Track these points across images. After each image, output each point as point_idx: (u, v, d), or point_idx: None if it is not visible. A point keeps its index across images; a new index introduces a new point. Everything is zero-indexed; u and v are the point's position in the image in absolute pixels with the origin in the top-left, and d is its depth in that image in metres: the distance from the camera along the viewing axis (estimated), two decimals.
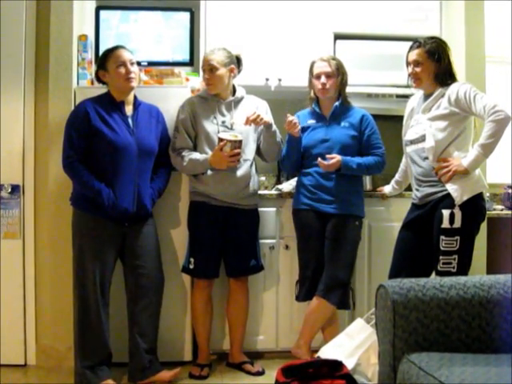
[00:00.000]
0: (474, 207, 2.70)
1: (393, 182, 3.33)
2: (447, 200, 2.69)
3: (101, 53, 3.06)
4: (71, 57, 3.20)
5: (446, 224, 2.66)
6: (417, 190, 2.86)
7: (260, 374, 3.10)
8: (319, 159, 2.97)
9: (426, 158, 2.77)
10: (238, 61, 3.08)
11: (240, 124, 3.00)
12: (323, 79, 3.03)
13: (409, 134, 2.89)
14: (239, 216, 3.04)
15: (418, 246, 2.83)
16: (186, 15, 3.58)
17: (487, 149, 2.61)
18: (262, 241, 3.23)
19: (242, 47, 3.23)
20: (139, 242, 2.89)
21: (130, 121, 2.87)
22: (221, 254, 3.07)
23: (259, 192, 3.23)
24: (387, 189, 3.36)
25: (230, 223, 3.03)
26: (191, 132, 3.03)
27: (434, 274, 2.75)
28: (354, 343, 2.58)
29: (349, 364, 2.45)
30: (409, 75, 2.88)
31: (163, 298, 3.00)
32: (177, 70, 3.36)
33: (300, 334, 3.08)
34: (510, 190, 3.65)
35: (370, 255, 3.40)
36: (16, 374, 3.07)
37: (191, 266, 3.03)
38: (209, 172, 2.98)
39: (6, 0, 3.18)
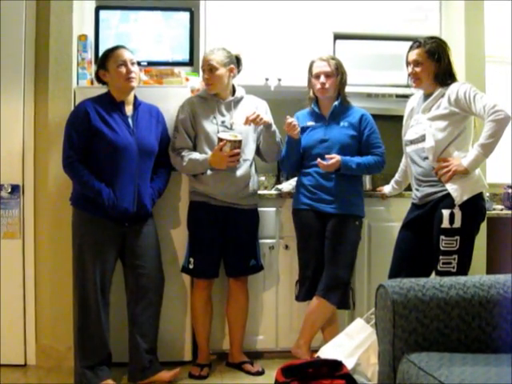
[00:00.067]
0: (474, 207, 2.70)
1: (392, 181, 3.33)
2: (447, 200, 2.69)
3: (101, 53, 3.06)
4: (71, 57, 3.20)
5: (445, 224, 2.66)
6: (417, 189, 2.86)
7: (260, 373, 3.10)
8: (318, 159, 2.97)
9: (426, 158, 2.77)
10: (237, 61, 3.08)
11: (240, 124, 3.00)
12: (322, 79, 3.03)
13: (409, 134, 2.89)
14: (239, 216, 3.04)
15: (418, 246, 2.83)
16: (186, 15, 3.58)
17: (487, 149, 2.61)
18: (261, 241, 3.23)
19: (241, 47, 3.23)
20: (139, 242, 2.89)
21: (130, 121, 2.87)
22: (220, 253, 3.07)
23: (259, 192, 3.23)
24: (387, 189, 3.36)
25: (229, 223, 3.03)
26: (191, 132, 3.02)
27: (433, 274, 2.75)
28: (353, 343, 2.58)
29: (348, 364, 2.46)
30: (409, 75, 2.88)
31: (163, 297, 3.00)
32: (176, 69, 3.35)
33: (300, 334, 3.08)
34: (509, 190, 3.64)
35: (369, 255, 3.40)
36: (16, 374, 3.07)
37: (191, 266, 3.03)
38: (208, 172, 2.98)
39: (6, 0, 3.18)
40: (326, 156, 2.98)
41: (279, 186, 3.46)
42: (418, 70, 2.79)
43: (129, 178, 2.81)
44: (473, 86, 2.71)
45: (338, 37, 3.65)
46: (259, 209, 3.18)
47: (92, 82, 3.25)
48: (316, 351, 2.81)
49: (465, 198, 2.66)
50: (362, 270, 3.37)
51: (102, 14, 3.53)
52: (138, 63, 2.95)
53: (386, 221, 3.39)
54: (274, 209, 3.34)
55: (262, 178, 3.86)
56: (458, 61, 2.98)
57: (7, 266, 3.18)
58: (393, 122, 3.41)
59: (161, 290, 2.98)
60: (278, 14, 3.59)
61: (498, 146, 2.63)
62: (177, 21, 3.59)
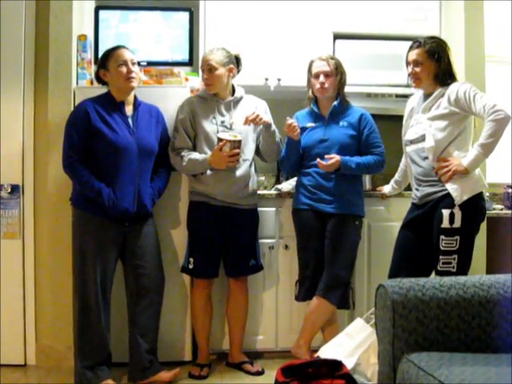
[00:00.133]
0: (474, 207, 2.70)
1: (392, 181, 3.33)
2: (447, 200, 2.69)
3: (100, 53, 3.06)
4: (70, 57, 3.20)
5: (445, 224, 2.66)
6: (417, 189, 2.86)
7: (259, 373, 3.10)
8: (318, 160, 2.97)
9: (426, 158, 2.77)
10: (237, 60, 3.08)
11: (239, 124, 3.00)
12: (322, 78, 3.03)
13: (409, 134, 2.89)
14: (238, 216, 3.04)
15: (418, 246, 2.83)
16: (186, 15, 3.58)
17: (487, 148, 2.61)
18: (261, 241, 3.23)
19: (241, 47, 3.24)
20: (139, 242, 2.89)
21: (130, 121, 2.87)
22: (220, 253, 3.07)
23: (259, 192, 3.23)
24: (387, 188, 3.36)
25: (229, 223, 3.03)
26: (190, 132, 3.02)
27: (433, 274, 2.75)
28: (353, 343, 2.58)
29: (348, 364, 2.45)
30: (408, 75, 2.88)
31: (163, 297, 3.00)
32: (176, 69, 3.35)
33: (300, 334, 3.08)
34: (509, 190, 3.64)
35: (369, 255, 3.40)
36: (16, 374, 3.07)
37: (190, 266, 3.03)
38: (208, 172, 2.98)
39: (6, 0, 3.18)
40: (326, 156, 2.98)
41: (279, 186, 3.46)
42: (417, 69, 2.79)
43: (129, 178, 2.81)
44: (473, 85, 2.71)
45: (337, 37, 3.65)
46: (259, 209, 3.18)
47: (92, 82, 3.25)
48: (316, 351, 2.80)
49: (465, 197, 2.66)
50: (361, 269, 3.37)
51: (102, 13, 3.53)
52: (138, 63, 2.95)
53: (385, 220, 3.39)
54: (273, 209, 3.34)
55: (262, 178, 3.86)
56: (457, 61, 2.98)
57: (7, 266, 3.18)
58: (392, 122, 3.41)
59: (161, 290, 2.98)
60: (278, 13, 3.59)
61: (498, 146, 2.63)
62: (176, 21, 3.59)
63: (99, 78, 2.91)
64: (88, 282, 2.78)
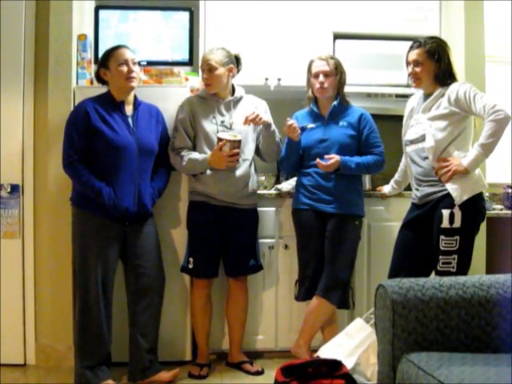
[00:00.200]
0: (474, 207, 2.70)
1: (392, 181, 3.32)
2: (447, 200, 2.69)
3: (100, 52, 3.06)
4: (70, 56, 3.20)
5: (445, 224, 2.66)
6: (416, 189, 2.86)
7: (259, 373, 3.10)
8: (318, 160, 2.97)
9: (426, 158, 2.77)
10: (237, 60, 3.08)
11: (239, 124, 3.00)
12: (321, 78, 3.03)
13: (409, 134, 2.89)
14: (238, 216, 3.04)
15: (418, 246, 2.83)
16: (186, 15, 3.58)
17: (487, 148, 2.61)
18: (261, 240, 3.23)
19: (241, 47, 3.23)
20: (140, 242, 2.89)
21: (129, 120, 2.87)
22: (220, 253, 3.07)
23: (258, 192, 3.23)
24: (386, 188, 3.36)
25: (229, 223, 3.03)
26: (190, 132, 3.02)
27: (433, 274, 2.75)
28: (353, 343, 2.58)
29: (348, 363, 2.45)
30: (409, 75, 2.88)
31: (163, 297, 3.00)
32: (176, 69, 3.35)
33: (299, 334, 3.08)
34: (509, 190, 3.64)
35: (369, 255, 3.40)
36: (15, 374, 3.07)
37: (190, 266, 3.03)
38: (208, 172, 2.98)
39: (6, 0, 3.18)
40: (326, 156, 2.98)
41: (279, 186, 3.46)
42: (417, 69, 2.79)
43: (129, 177, 2.81)
44: (473, 85, 2.71)
45: (337, 36, 3.65)
46: (259, 208, 3.18)
47: (91, 82, 3.25)
48: (316, 351, 2.80)
49: (465, 197, 2.66)
50: (361, 269, 3.37)
51: (102, 13, 3.53)
52: (138, 63, 2.95)
53: (385, 220, 3.39)
54: (273, 208, 3.34)
55: (262, 178, 3.86)
56: (457, 61, 2.98)
57: (7, 266, 3.18)
58: (392, 122, 3.41)
59: (162, 289, 2.98)
60: (278, 13, 3.59)
61: (498, 146, 2.63)
62: (176, 20, 3.59)
63: (99, 77, 2.91)
64: (89, 281, 2.78)
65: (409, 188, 3.07)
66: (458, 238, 2.65)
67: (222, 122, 3.02)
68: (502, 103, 2.60)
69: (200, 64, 3.08)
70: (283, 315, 3.34)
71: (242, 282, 3.14)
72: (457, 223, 2.65)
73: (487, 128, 2.59)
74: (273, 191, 3.42)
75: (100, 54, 3.04)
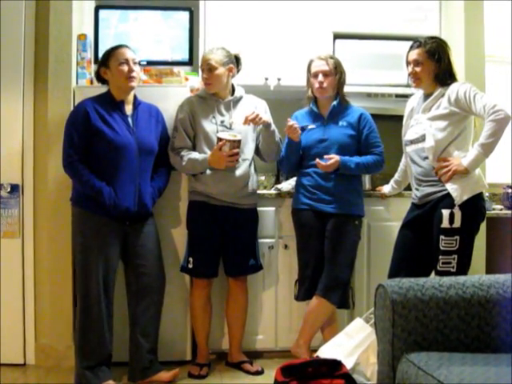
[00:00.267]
0: (474, 207, 2.70)
1: (392, 181, 3.33)
2: (447, 200, 2.69)
3: (100, 52, 3.07)
4: (70, 56, 3.20)
5: (445, 224, 2.66)
6: (416, 189, 2.86)
7: (259, 373, 3.10)
8: (317, 160, 2.97)
9: (426, 158, 2.77)
10: (236, 60, 3.08)
11: (239, 123, 3.00)
12: (320, 78, 3.03)
13: (409, 134, 2.89)
14: (238, 215, 3.04)
15: (418, 246, 2.83)
16: (186, 15, 3.58)
17: (487, 148, 2.61)
18: (261, 240, 3.23)
19: (241, 46, 3.23)
20: (140, 242, 2.89)
21: (129, 120, 2.87)
22: (220, 253, 3.07)
23: (258, 191, 3.23)
24: (386, 188, 3.36)
25: (228, 223, 3.03)
26: (190, 132, 3.02)
27: (433, 274, 2.75)
28: (353, 343, 2.58)
29: (348, 363, 2.45)
30: (409, 75, 2.88)
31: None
32: (176, 69, 3.35)
33: (299, 334, 3.08)
34: (509, 190, 3.64)
35: (369, 255, 3.40)
36: (15, 374, 3.07)
37: (190, 266, 3.03)
38: (208, 171, 2.98)
39: (6, 0, 3.18)
40: (325, 156, 2.98)
41: (279, 186, 3.46)
42: (417, 69, 2.79)
43: (129, 177, 2.81)
44: (473, 85, 2.71)
45: (337, 36, 3.65)
46: (258, 208, 3.18)
47: (91, 82, 3.25)
48: (315, 351, 2.80)
49: (465, 197, 2.66)
50: (361, 269, 3.37)
51: (102, 13, 3.53)
52: (138, 63, 2.95)
53: (385, 220, 3.40)
54: (273, 208, 3.34)
55: (262, 178, 3.86)
56: (457, 61, 2.98)
57: (7, 266, 3.18)
58: (392, 122, 3.41)
59: (162, 289, 2.98)
60: (278, 13, 3.59)
61: (498, 146, 2.63)
62: (176, 20, 3.58)
63: (99, 76, 2.91)
64: (90, 281, 2.77)
65: (409, 188, 3.07)
66: (457, 237, 2.65)
67: (222, 121, 3.02)
68: (501, 103, 2.60)
69: (200, 64, 3.08)
70: (283, 315, 3.34)
71: (242, 282, 3.14)
72: (457, 223, 2.65)
73: (487, 128, 2.59)
74: (273, 191, 3.42)
75: (100, 54, 3.04)
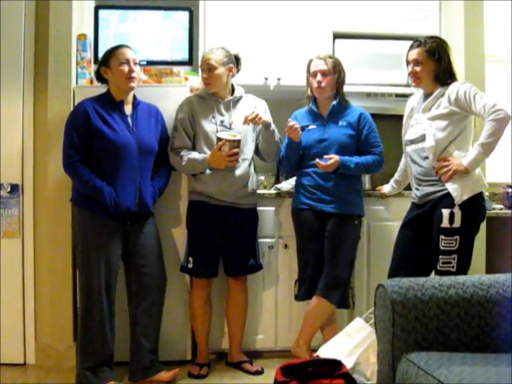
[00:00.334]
0: (474, 207, 2.70)
1: (392, 181, 3.33)
2: (447, 199, 2.69)
3: (100, 52, 3.07)
4: (70, 56, 3.20)
5: (445, 223, 2.66)
6: (417, 189, 2.86)
7: (259, 373, 3.10)
8: (317, 160, 2.97)
9: (426, 158, 2.77)
10: (236, 60, 3.08)
11: (239, 123, 3.00)
12: (319, 77, 3.03)
13: (409, 134, 2.89)
14: (238, 215, 3.04)
15: (418, 246, 2.83)
16: (185, 14, 3.58)
17: (487, 148, 2.61)
18: (260, 240, 3.22)
19: (240, 46, 3.23)
20: (141, 241, 2.89)
21: (129, 120, 2.87)
22: (220, 253, 3.07)
23: (258, 191, 3.23)
24: (386, 188, 3.36)
25: (228, 222, 3.03)
26: (190, 131, 3.02)
27: (433, 274, 2.75)
28: (353, 342, 2.58)
29: (348, 363, 2.45)
30: (408, 74, 2.87)
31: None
32: (176, 69, 3.35)
33: (299, 334, 3.08)
34: (509, 190, 3.64)
35: (369, 254, 3.40)
36: (15, 373, 3.07)
37: (190, 266, 3.03)
38: (207, 171, 2.98)
39: (6, 0, 3.18)
40: (325, 156, 2.98)
41: (278, 186, 3.46)
42: (417, 69, 2.79)
43: (130, 176, 2.81)
44: (473, 85, 2.71)
45: (337, 36, 3.65)
46: (258, 208, 3.18)
47: (91, 82, 3.25)
48: (315, 350, 2.80)
49: (465, 197, 2.66)
50: (361, 269, 3.37)
51: (102, 13, 3.53)
52: (138, 63, 2.95)
53: (385, 220, 3.40)
54: (273, 208, 3.34)
55: (262, 178, 3.85)
56: (457, 60, 2.97)
57: (7, 265, 3.18)
58: (392, 122, 3.41)
59: (163, 289, 2.98)
60: (278, 13, 3.59)
61: (498, 146, 2.63)
62: (176, 20, 3.59)
63: (99, 75, 2.91)
64: (92, 281, 2.77)
65: (408, 187, 3.07)
66: (457, 237, 2.65)
67: (222, 121, 3.02)
68: (501, 103, 2.60)
69: (200, 63, 3.08)
70: (283, 315, 3.35)
71: (242, 282, 3.14)
72: (457, 223, 2.65)
73: (487, 127, 2.59)
74: (272, 191, 3.42)
75: (100, 54, 3.04)
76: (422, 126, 2.79)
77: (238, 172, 3.00)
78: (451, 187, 2.68)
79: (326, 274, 3.00)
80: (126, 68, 2.81)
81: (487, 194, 3.50)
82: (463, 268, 2.67)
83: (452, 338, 1.85)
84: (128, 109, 2.90)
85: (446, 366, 1.65)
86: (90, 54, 3.34)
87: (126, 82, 2.82)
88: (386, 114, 3.67)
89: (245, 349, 3.24)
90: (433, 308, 1.85)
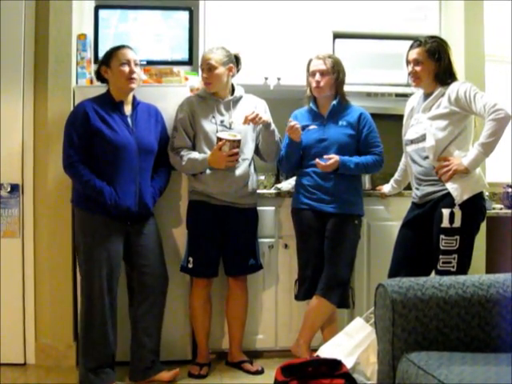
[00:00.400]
0: (474, 206, 2.70)
1: (392, 181, 3.33)
2: (447, 199, 2.69)
3: (100, 52, 3.07)
4: (70, 56, 3.20)
5: (445, 223, 2.66)
6: (417, 189, 2.86)
7: (259, 373, 3.10)
8: (317, 160, 2.97)
9: (427, 158, 2.77)
10: (236, 60, 3.08)
11: (239, 123, 3.00)
12: (317, 77, 3.03)
13: (409, 134, 2.89)
14: (238, 215, 3.04)
15: (418, 245, 2.83)
16: (185, 14, 3.58)
17: (488, 148, 2.61)
18: (260, 240, 3.22)
19: (241, 46, 3.23)
20: (142, 242, 2.89)
21: (129, 120, 2.87)
22: (220, 253, 3.07)
23: (258, 191, 3.23)
24: (386, 188, 3.36)
25: (228, 222, 3.03)
26: (190, 131, 3.02)
27: (433, 274, 2.75)
28: (353, 342, 2.58)
29: (348, 363, 2.45)
30: (409, 74, 2.87)
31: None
32: (176, 69, 3.36)
33: (299, 333, 3.08)
34: (509, 189, 3.64)
35: (369, 254, 3.40)
36: (15, 373, 3.07)
37: (190, 266, 3.03)
38: (207, 171, 2.98)
39: (6, 0, 3.18)
40: (325, 156, 2.98)
41: (278, 185, 3.46)
42: (417, 69, 2.79)
43: (130, 176, 2.81)
44: (473, 85, 2.71)
45: (337, 36, 3.65)
46: (258, 208, 3.18)
47: (91, 81, 3.25)
48: (315, 350, 2.80)
49: (465, 197, 2.66)
50: (361, 269, 3.37)
51: (102, 13, 3.53)
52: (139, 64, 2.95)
53: (385, 220, 3.40)
54: (273, 208, 3.34)
55: (262, 177, 3.85)
56: (457, 60, 2.98)
57: (7, 265, 3.18)
58: (392, 121, 3.41)
59: (165, 289, 2.97)
60: (278, 13, 3.59)
61: (498, 145, 2.63)
62: (176, 20, 3.59)
63: (100, 75, 2.91)
64: (94, 281, 2.76)
65: (408, 187, 3.07)
66: (458, 237, 2.65)
67: (222, 121, 3.02)
68: (502, 102, 2.60)
69: (200, 63, 3.08)
70: (283, 315, 3.35)
71: (242, 282, 3.14)
72: (457, 223, 2.65)
73: (487, 127, 2.59)
74: (272, 191, 3.42)
75: (100, 54, 3.04)
76: (423, 125, 2.79)
77: (238, 172, 2.99)
78: (451, 187, 2.68)
79: (326, 274, 3.00)
80: (126, 69, 2.81)
81: (487, 193, 3.49)
82: (463, 268, 2.67)
83: (452, 337, 1.85)
84: (128, 109, 2.90)
85: (446, 365, 1.65)
86: (90, 54, 3.34)
87: (126, 82, 2.82)
88: (385, 114, 3.67)
89: (245, 349, 3.24)
90: (433, 308, 1.85)
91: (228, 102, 3.06)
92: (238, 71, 3.12)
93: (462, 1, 3.60)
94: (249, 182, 3.06)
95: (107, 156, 2.78)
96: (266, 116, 3.05)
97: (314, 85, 3.05)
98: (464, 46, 3.58)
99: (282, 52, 3.58)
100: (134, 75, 2.83)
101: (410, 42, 2.87)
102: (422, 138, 2.78)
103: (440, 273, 2.65)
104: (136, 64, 2.85)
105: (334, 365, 2.38)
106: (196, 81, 3.34)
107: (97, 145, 2.77)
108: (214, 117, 3.02)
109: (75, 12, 3.25)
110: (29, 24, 3.22)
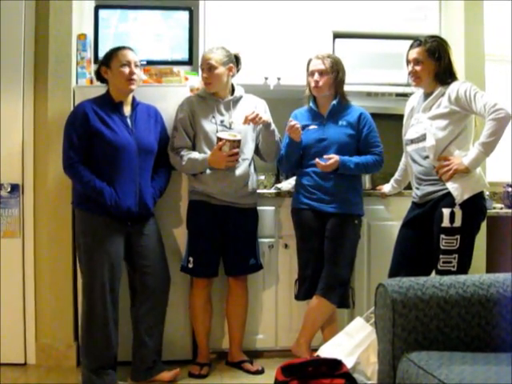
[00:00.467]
0: (475, 206, 2.70)
1: (392, 180, 3.33)
2: (447, 199, 2.69)
3: (100, 52, 3.07)
4: (70, 56, 3.20)
5: (446, 223, 2.66)
6: (417, 188, 2.86)
7: (259, 372, 3.10)
8: (317, 159, 2.97)
9: (427, 157, 2.77)
10: (236, 60, 3.08)
11: (239, 123, 3.00)
12: (316, 76, 3.03)
13: (409, 134, 2.89)
14: (238, 215, 3.04)
15: (418, 245, 2.83)
16: (185, 14, 3.59)
17: (488, 147, 2.61)
18: (260, 240, 3.22)
19: (241, 46, 3.23)
20: (142, 242, 2.89)
21: (128, 121, 2.87)
22: (220, 252, 3.07)
23: (258, 191, 3.23)
24: (386, 187, 3.36)
25: (228, 222, 3.03)
26: (190, 131, 3.02)
27: (433, 273, 2.75)
28: (353, 342, 2.58)
29: (348, 363, 2.45)
30: (409, 73, 2.87)
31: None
32: (176, 68, 3.35)
33: (300, 333, 3.08)
34: (509, 189, 3.64)
35: (369, 254, 3.40)
36: (16, 373, 3.07)
37: (190, 266, 3.03)
38: (207, 171, 2.98)
39: (6, 0, 3.18)
40: (325, 156, 2.98)
41: (278, 185, 3.46)
42: (418, 68, 2.79)
43: (130, 177, 2.81)
44: (473, 84, 2.71)
45: (337, 36, 3.65)
46: (258, 208, 3.18)
47: (91, 81, 3.25)
48: (316, 350, 2.80)
49: (465, 196, 2.66)
50: (361, 268, 3.37)
51: (102, 13, 3.53)
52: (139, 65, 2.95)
53: (385, 220, 3.39)
54: (273, 208, 3.33)
55: (262, 177, 3.85)
56: (457, 60, 2.98)
57: (7, 265, 3.18)
58: (392, 121, 3.41)
59: (167, 289, 2.98)
60: (278, 13, 3.59)
61: (498, 145, 2.63)
62: (176, 20, 3.59)
63: (99, 75, 2.91)
64: (95, 281, 2.76)
65: (409, 187, 3.07)
66: (458, 237, 2.65)
67: (222, 121, 3.02)
68: (502, 102, 2.60)
69: (200, 63, 3.08)
70: (283, 314, 3.35)
71: (242, 282, 3.14)
72: (457, 222, 2.65)
73: (488, 127, 2.59)
74: (272, 190, 3.42)
75: (100, 54, 3.04)
76: (423, 125, 2.79)
77: (238, 172, 2.99)
78: (452, 186, 2.68)
79: (326, 274, 3.00)
80: (126, 70, 2.81)
81: (487, 193, 3.49)
82: (464, 267, 2.67)
83: (452, 337, 1.85)
84: (127, 110, 2.90)
85: (446, 365, 1.65)
86: (90, 54, 3.34)
87: (125, 83, 2.82)
88: (386, 114, 3.66)
89: (245, 348, 3.24)
90: (433, 307, 1.85)
91: (228, 101, 3.06)
92: (238, 71, 3.11)
93: (462, 1, 3.60)
94: (249, 181, 3.06)
95: (107, 157, 2.78)
96: (266, 116, 3.05)
97: (312, 84, 3.05)
98: (464, 46, 3.58)
99: (281, 52, 3.58)
100: (134, 76, 2.83)
101: (410, 42, 2.87)
102: (423, 138, 2.78)
103: (440, 272, 2.65)
104: (136, 65, 2.85)
105: (335, 365, 2.38)
106: (196, 81, 3.34)
107: (96, 145, 2.77)
108: (214, 117, 3.02)
109: (75, 12, 3.25)
110: (29, 24, 3.22)
